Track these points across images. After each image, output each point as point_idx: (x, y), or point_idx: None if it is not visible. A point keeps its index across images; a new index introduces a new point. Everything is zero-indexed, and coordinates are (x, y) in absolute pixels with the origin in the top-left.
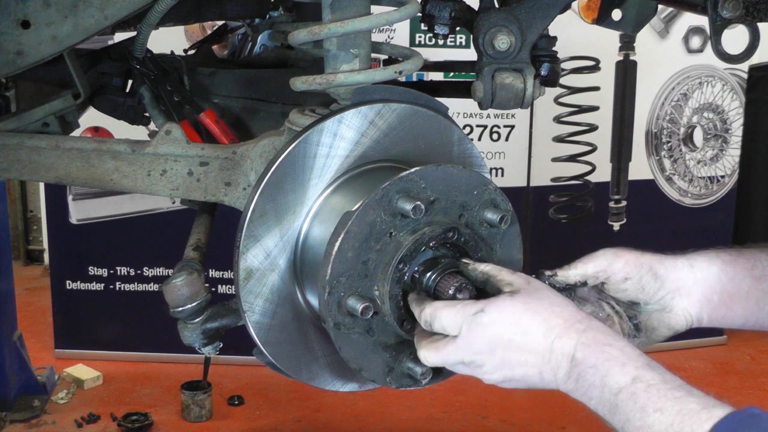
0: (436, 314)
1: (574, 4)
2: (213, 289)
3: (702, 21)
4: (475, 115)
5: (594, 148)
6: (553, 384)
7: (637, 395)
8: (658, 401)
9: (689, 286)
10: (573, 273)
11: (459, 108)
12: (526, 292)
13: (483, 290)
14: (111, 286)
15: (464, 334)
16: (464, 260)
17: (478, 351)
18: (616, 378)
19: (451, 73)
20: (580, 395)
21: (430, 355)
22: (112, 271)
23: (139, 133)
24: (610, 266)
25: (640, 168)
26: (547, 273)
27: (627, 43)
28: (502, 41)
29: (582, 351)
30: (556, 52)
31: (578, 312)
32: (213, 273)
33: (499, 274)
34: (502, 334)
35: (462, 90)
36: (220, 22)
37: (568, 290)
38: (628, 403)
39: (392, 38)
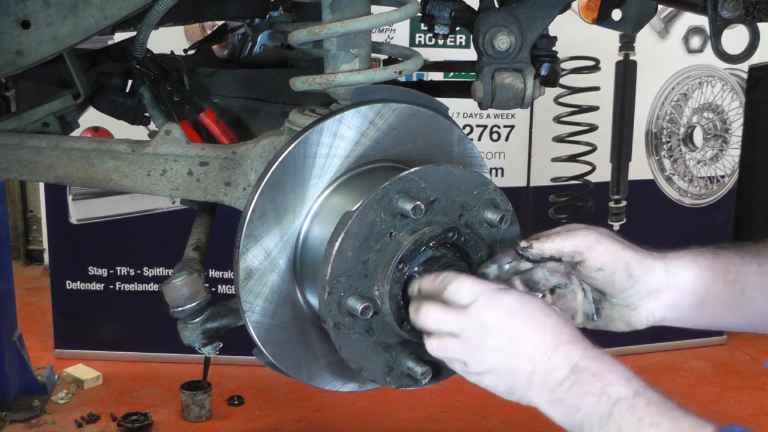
0: (459, 276)
1: (574, 4)
2: (213, 289)
3: (702, 21)
4: (475, 115)
5: (594, 148)
6: (536, 390)
7: (636, 407)
8: (655, 416)
9: (660, 291)
10: (549, 246)
11: (459, 108)
12: (543, 300)
13: None
14: (111, 286)
15: (479, 304)
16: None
17: (485, 325)
18: (618, 389)
19: (451, 73)
20: (566, 407)
21: (434, 311)
22: (112, 271)
23: (139, 133)
24: (589, 250)
25: (640, 168)
26: (523, 244)
27: (627, 43)
28: (502, 41)
29: (586, 361)
30: (556, 52)
31: (584, 336)
32: (213, 273)
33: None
34: (514, 320)
35: (462, 90)
36: (220, 22)
37: (542, 262)
38: (625, 414)
39: (392, 38)
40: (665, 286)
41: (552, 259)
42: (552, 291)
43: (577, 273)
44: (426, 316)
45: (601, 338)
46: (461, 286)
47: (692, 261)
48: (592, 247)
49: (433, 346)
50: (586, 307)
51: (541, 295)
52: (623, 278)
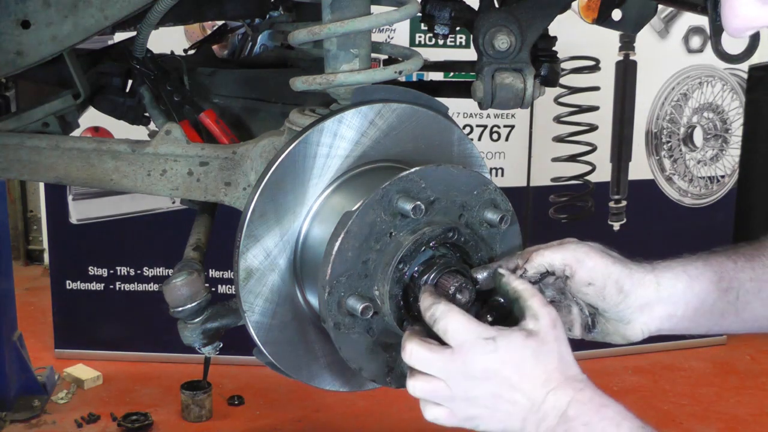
0: (448, 314)
1: (574, 4)
2: (213, 289)
3: (702, 21)
4: (475, 115)
5: (594, 148)
6: None
7: None
8: None
9: (653, 304)
10: (539, 261)
11: (459, 108)
12: (542, 338)
13: (484, 292)
14: (111, 286)
15: (464, 349)
16: (500, 270)
17: (470, 374)
18: None
19: (451, 73)
20: None
21: (418, 349)
22: (112, 271)
23: (139, 133)
24: (578, 264)
25: (640, 168)
26: (518, 273)
27: (627, 43)
28: (502, 41)
29: (575, 408)
30: (556, 52)
31: (580, 371)
32: (213, 273)
33: (530, 299)
34: (502, 370)
35: (462, 90)
36: (220, 22)
37: (541, 280)
38: None
39: (392, 38)
40: (657, 299)
41: (547, 273)
42: None
43: (569, 289)
44: (413, 353)
45: None
46: (447, 328)
47: (683, 271)
48: (581, 261)
49: (417, 388)
50: (582, 321)
51: None
52: (614, 293)
